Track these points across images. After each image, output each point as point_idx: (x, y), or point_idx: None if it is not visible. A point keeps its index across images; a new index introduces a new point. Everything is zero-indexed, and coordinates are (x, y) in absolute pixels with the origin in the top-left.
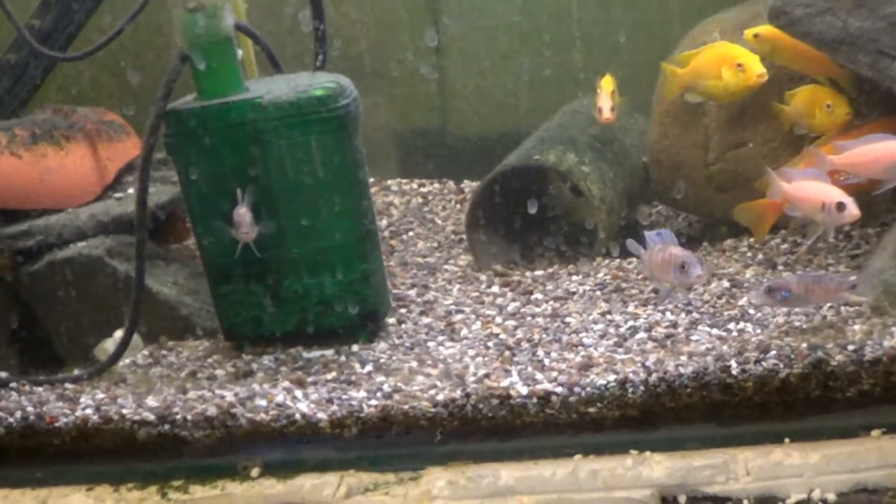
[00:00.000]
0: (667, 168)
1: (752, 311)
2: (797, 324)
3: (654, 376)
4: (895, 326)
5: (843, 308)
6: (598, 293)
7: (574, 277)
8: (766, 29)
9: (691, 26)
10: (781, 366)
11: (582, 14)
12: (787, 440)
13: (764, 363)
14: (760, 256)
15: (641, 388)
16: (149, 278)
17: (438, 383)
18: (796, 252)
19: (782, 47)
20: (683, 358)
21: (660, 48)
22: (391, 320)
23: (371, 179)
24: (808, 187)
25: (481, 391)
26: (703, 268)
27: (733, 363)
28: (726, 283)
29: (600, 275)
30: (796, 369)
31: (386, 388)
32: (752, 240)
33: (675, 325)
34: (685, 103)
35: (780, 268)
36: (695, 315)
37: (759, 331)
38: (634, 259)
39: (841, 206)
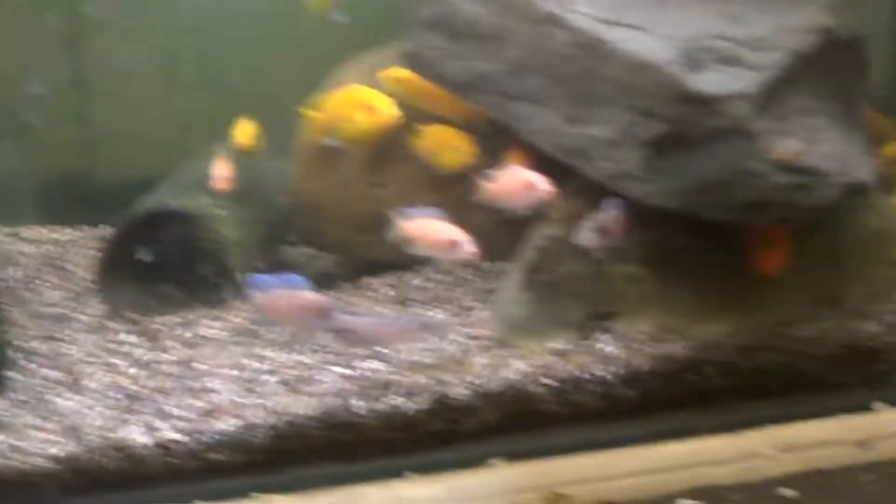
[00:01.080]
0: (308, 209)
1: (383, 350)
2: (423, 359)
3: (279, 419)
4: (515, 358)
5: (469, 342)
6: (232, 337)
7: (208, 322)
8: (401, 71)
9: (337, 68)
10: (405, 402)
11: (230, 56)
12: (412, 474)
13: (387, 400)
14: (395, 293)
15: (266, 431)
16: None
17: (57, 438)
18: (428, 289)
19: (417, 89)
20: (309, 399)
21: (306, 90)
22: (13, 374)
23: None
24: (427, 227)
25: (102, 444)
26: (338, 313)
27: (357, 402)
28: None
29: (236, 319)
30: (420, 405)
31: (2, 446)
32: (391, 277)
33: (304, 366)
34: (326, 145)
35: (416, 305)
36: (325, 355)
37: (386, 368)
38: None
39: (455, 244)
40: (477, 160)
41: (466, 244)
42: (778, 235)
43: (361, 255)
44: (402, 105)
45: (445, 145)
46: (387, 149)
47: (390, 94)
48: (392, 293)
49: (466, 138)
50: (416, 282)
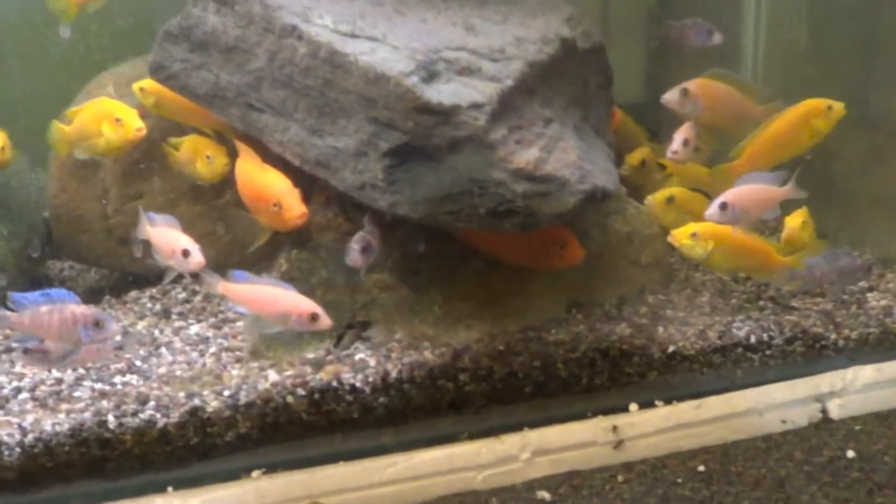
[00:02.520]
0: (67, 223)
1: (138, 363)
2: (179, 373)
3: (30, 437)
4: (270, 370)
5: (223, 354)
6: None
7: None
8: (149, 82)
9: (92, 79)
10: (159, 416)
11: None
12: (170, 489)
13: (142, 415)
14: (159, 307)
15: (17, 450)
16: None
17: None
18: (192, 302)
19: (165, 100)
20: (62, 416)
21: (63, 102)
22: None
23: None
24: (164, 234)
25: None
26: (113, 324)
27: (111, 417)
28: (118, 338)
29: None
30: (174, 418)
31: None
32: (154, 290)
33: (60, 382)
34: (78, 158)
35: (175, 317)
36: (81, 371)
37: (141, 382)
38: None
39: (186, 253)
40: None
41: (197, 254)
42: (562, 230)
43: (126, 268)
44: (160, 117)
45: (201, 156)
46: (143, 160)
47: (141, 106)
48: (156, 306)
49: (221, 149)
50: (182, 294)
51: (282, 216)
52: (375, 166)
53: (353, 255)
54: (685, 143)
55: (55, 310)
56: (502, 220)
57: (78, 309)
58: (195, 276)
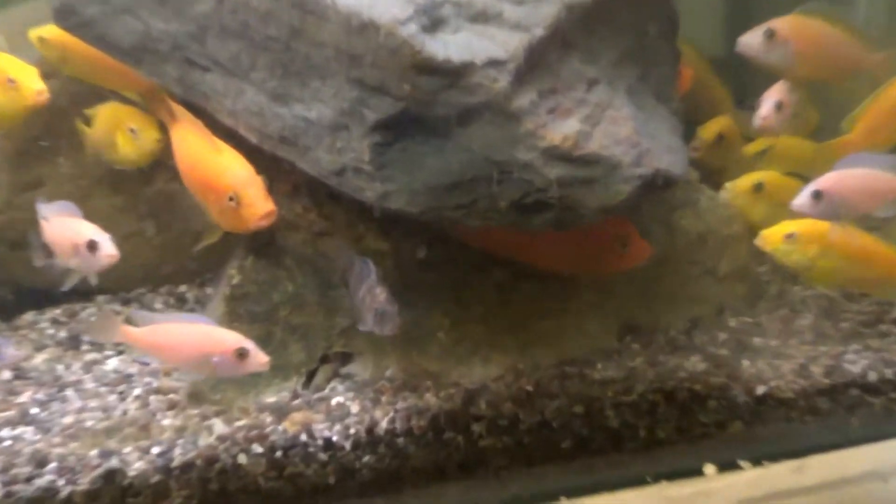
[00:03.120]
0: None
1: (35, 410)
2: (90, 423)
3: None
4: (216, 419)
5: (152, 397)
6: None
7: None
8: (53, 30)
9: None
10: (62, 482)
11: None
12: None
13: (39, 481)
14: (64, 334)
15: None
16: None
17: None
18: None
19: (75, 55)
20: None
21: None
22: None
23: None
24: (61, 225)
25: None
26: (9, 348)
27: None
28: (7, 374)
29: None
30: (82, 485)
31: None
32: (58, 311)
33: None
34: None
35: (86, 347)
36: None
37: (38, 436)
38: None
39: (93, 246)
40: (163, 148)
41: (108, 246)
42: (620, 220)
43: (19, 282)
44: (68, 77)
45: (123, 131)
46: (44, 136)
47: (43, 63)
48: (61, 333)
49: (151, 121)
50: (94, 316)
51: (240, 214)
52: (360, 144)
53: (389, 320)
54: (779, 106)
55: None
56: (530, 215)
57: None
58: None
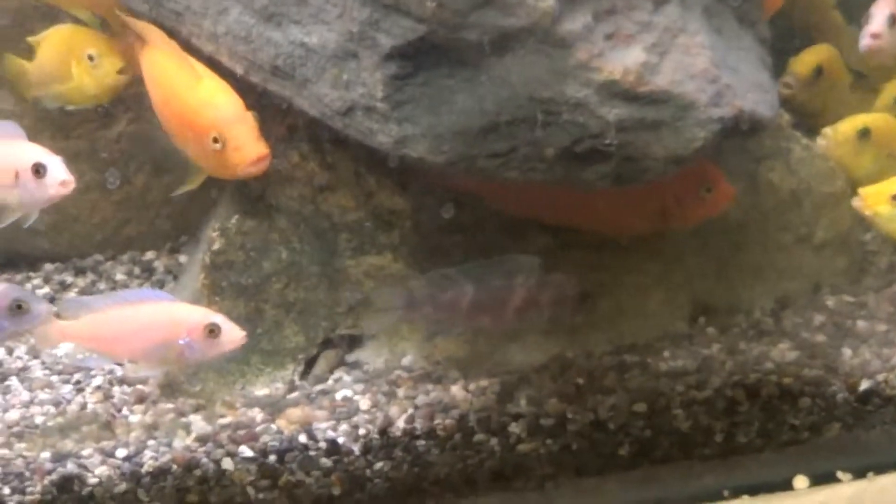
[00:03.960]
0: None
1: None
2: (40, 419)
3: None
4: (194, 415)
5: (116, 388)
6: None
7: None
8: None
9: None
10: (8, 491)
11: None
12: None
13: None
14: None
15: None
16: None
17: None
18: (59, 299)
19: None
20: None
21: None
22: None
23: None
24: None
25: None
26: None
27: None
28: None
29: None
30: (32, 496)
31: None
32: None
33: None
34: None
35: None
36: None
37: None
38: None
39: (39, 171)
40: (129, 80)
41: (52, 170)
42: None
43: None
44: None
45: (78, 58)
46: None
47: None
48: None
49: (109, 44)
50: (41, 288)
51: (225, 159)
52: (372, 77)
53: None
54: (892, 21)
55: None
56: (582, 167)
57: None
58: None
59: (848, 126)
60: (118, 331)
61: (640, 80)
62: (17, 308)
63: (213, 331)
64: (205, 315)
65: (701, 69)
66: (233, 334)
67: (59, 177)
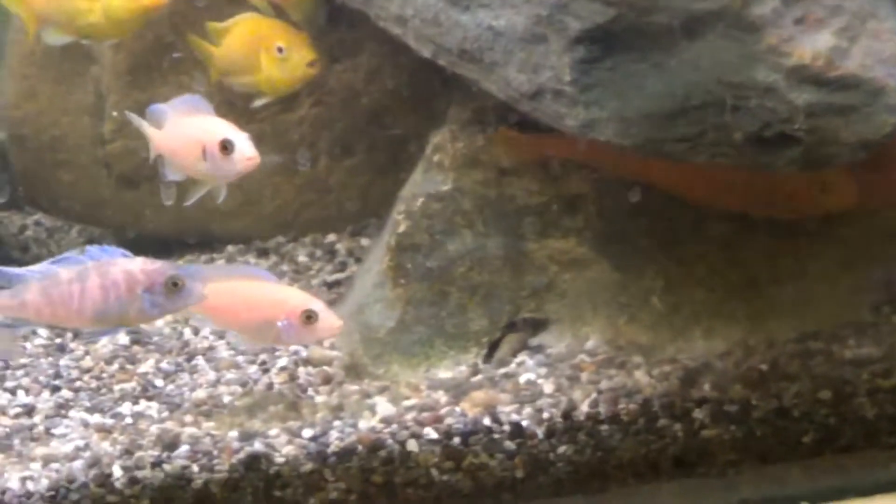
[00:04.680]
0: (35, 149)
1: (159, 383)
2: (227, 399)
3: None
4: (379, 395)
5: (301, 369)
6: None
7: None
8: None
9: None
10: (197, 469)
11: None
12: None
13: (168, 466)
14: None
15: None
16: None
17: None
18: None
19: None
20: (36, 466)
21: None
22: None
23: None
24: (181, 126)
25: None
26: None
27: (117, 469)
28: (124, 339)
29: None
30: (220, 473)
31: None
32: (182, 263)
33: (30, 411)
34: (66, 45)
35: None
36: (66, 393)
37: (166, 413)
38: None
39: (227, 147)
40: (318, 72)
41: (242, 147)
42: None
43: (133, 226)
44: None
45: (267, 49)
46: (162, 48)
47: None
48: None
49: (302, 38)
50: None
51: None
52: (560, 60)
53: None
54: None
55: (93, 270)
56: (771, 151)
57: (133, 265)
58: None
59: None
60: (227, 302)
61: (830, 65)
62: (174, 286)
63: (310, 317)
64: (305, 300)
65: (891, 54)
66: (329, 322)
67: (247, 153)
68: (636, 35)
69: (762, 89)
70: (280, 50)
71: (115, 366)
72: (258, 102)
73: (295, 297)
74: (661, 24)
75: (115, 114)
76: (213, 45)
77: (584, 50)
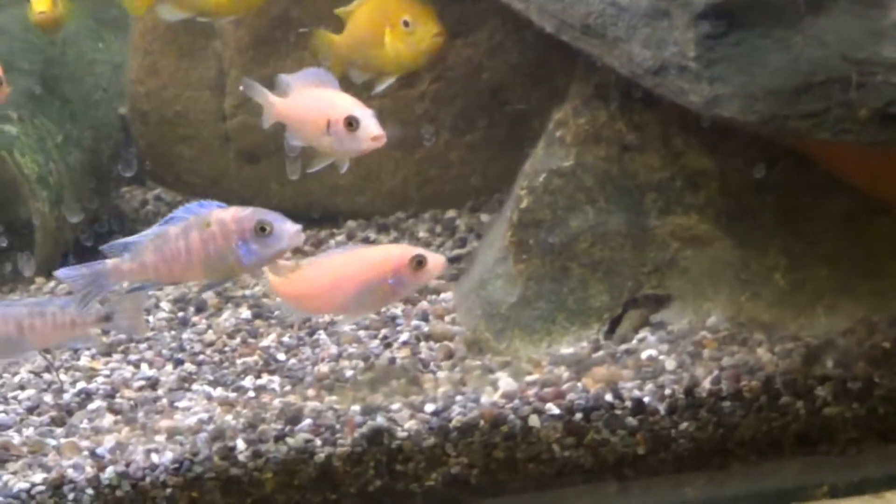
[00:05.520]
0: (158, 125)
1: (281, 357)
2: (348, 373)
3: (110, 471)
4: (501, 371)
5: (422, 344)
6: None
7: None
8: None
9: None
10: (319, 443)
11: None
12: None
13: (291, 440)
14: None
15: (90, 491)
16: None
17: None
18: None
19: None
20: (160, 438)
21: None
22: None
23: None
24: (307, 98)
25: None
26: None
27: (240, 443)
28: (246, 313)
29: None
30: (343, 447)
31: None
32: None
33: (154, 384)
34: (188, 19)
35: None
36: (189, 366)
37: (288, 387)
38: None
39: (352, 123)
40: (442, 44)
41: (368, 124)
42: None
43: (249, 201)
44: None
45: (394, 24)
46: (283, 23)
47: None
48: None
49: (428, 12)
50: (345, 245)
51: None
52: (684, 36)
53: None
54: None
55: (194, 224)
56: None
57: (226, 214)
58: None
59: None
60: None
61: None
62: (262, 231)
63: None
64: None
65: None
66: (436, 261)
67: (373, 131)
68: (760, 10)
69: (889, 66)
70: (406, 24)
71: (238, 339)
72: (382, 86)
73: (394, 251)
74: None
75: (241, 88)
76: (334, 35)
77: (709, 25)
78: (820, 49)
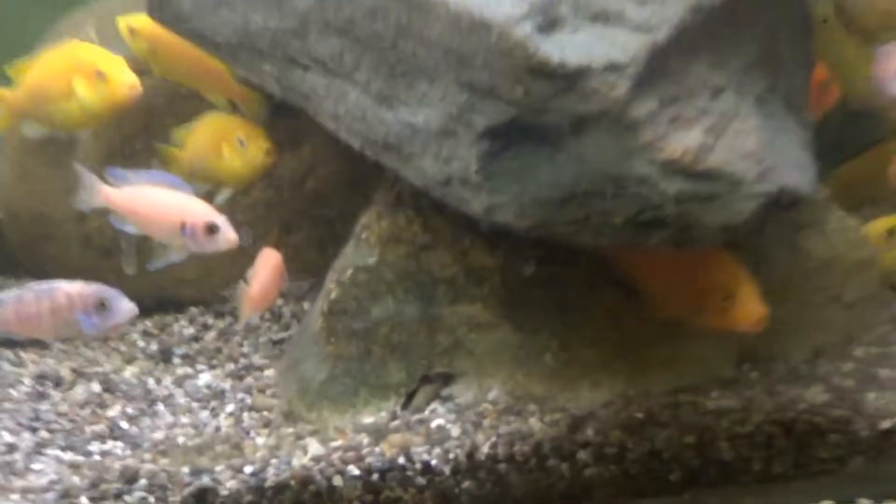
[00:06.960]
0: (28, 225)
1: (124, 425)
2: (181, 440)
3: None
4: (311, 437)
5: (245, 414)
6: None
7: None
8: (145, 22)
9: (66, 13)
10: (153, 500)
11: None
12: None
13: (128, 497)
14: (155, 346)
15: None
16: None
17: None
18: (201, 340)
19: (164, 50)
20: (15, 497)
21: (16, 46)
22: None
23: None
24: (158, 197)
25: None
26: (124, 302)
27: (85, 500)
28: (96, 387)
29: None
30: (173, 503)
31: None
32: (149, 323)
33: (11, 449)
34: (33, 136)
35: (178, 361)
36: (44, 434)
37: (128, 451)
38: None
39: (212, 230)
40: (271, 165)
41: (226, 231)
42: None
43: None
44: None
45: (229, 142)
46: (137, 135)
47: (132, 58)
48: (151, 345)
49: (259, 132)
50: (186, 328)
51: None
52: (468, 152)
53: None
54: None
55: (42, 295)
56: (646, 233)
57: (73, 288)
58: None
59: (879, 225)
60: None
61: (697, 160)
62: (101, 305)
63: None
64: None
65: (750, 150)
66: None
67: (230, 237)
68: (532, 132)
69: (638, 180)
70: (241, 142)
71: (88, 410)
72: (222, 196)
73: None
74: (552, 122)
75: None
76: (176, 149)
77: (489, 143)
78: (581, 165)
